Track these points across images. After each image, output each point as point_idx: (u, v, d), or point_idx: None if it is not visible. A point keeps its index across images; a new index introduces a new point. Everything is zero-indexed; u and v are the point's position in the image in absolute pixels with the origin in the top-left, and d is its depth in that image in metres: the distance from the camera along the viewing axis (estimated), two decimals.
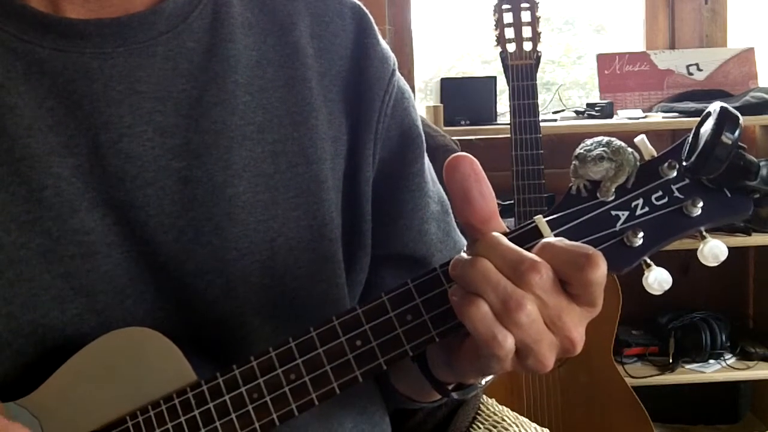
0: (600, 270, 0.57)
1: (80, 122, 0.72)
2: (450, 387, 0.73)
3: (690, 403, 2.73)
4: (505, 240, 0.59)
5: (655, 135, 2.85)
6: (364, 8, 0.87)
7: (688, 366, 2.57)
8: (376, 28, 0.86)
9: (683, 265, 2.65)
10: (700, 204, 0.59)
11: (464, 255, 0.60)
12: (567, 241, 0.59)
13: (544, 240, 0.60)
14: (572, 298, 0.58)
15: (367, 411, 0.85)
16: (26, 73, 0.72)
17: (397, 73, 0.86)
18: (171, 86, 0.75)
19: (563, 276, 0.58)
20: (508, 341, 0.58)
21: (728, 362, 2.57)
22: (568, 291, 0.58)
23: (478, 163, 0.62)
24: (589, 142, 0.62)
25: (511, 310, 0.57)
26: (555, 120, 2.66)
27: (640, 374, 2.52)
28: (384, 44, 0.87)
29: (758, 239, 2.47)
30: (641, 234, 0.59)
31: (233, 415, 0.65)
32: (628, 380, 2.33)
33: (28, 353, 0.70)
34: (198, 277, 0.74)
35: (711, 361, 2.57)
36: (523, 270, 0.57)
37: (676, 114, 2.58)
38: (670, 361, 2.57)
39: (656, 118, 2.62)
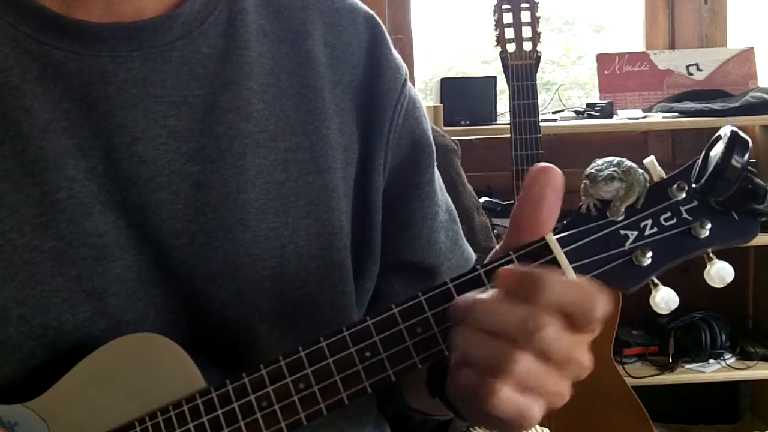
0: (605, 306, 0.57)
1: (95, 125, 0.72)
2: None
3: (690, 403, 2.73)
4: (499, 306, 0.58)
5: (655, 135, 2.86)
6: (377, 18, 0.87)
7: (688, 366, 2.58)
8: (388, 37, 0.87)
9: (683, 264, 2.65)
10: (708, 226, 0.59)
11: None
12: (567, 280, 0.58)
13: (546, 278, 0.58)
14: (576, 330, 0.58)
15: (364, 420, 0.86)
16: (42, 74, 0.72)
17: (409, 82, 0.87)
18: (186, 91, 0.75)
19: (568, 314, 0.57)
20: (536, 412, 0.59)
21: (728, 362, 2.58)
22: (570, 324, 0.57)
23: (563, 183, 0.63)
24: (599, 161, 0.62)
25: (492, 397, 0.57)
26: (555, 120, 2.66)
27: (640, 374, 2.52)
28: (396, 54, 0.87)
29: (758, 239, 2.42)
30: (650, 254, 0.60)
31: (242, 423, 0.65)
32: (628, 380, 2.34)
33: (38, 356, 0.70)
34: (208, 282, 0.74)
35: (711, 361, 2.57)
36: (530, 329, 0.56)
37: (676, 114, 2.58)
38: (670, 361, 2.57)
39: (656, 118, 2.62)
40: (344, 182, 0.81)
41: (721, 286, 0.59)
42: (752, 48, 2.78)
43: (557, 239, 0.62)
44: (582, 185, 0.62)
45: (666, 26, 2.90)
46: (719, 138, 0.58)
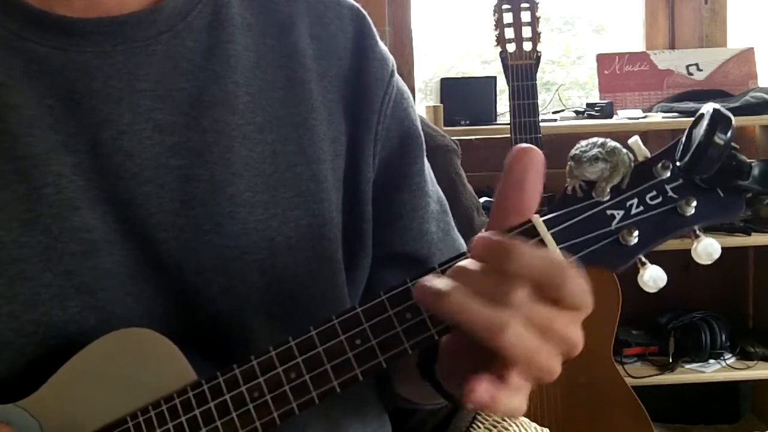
0: (577, 282, 0.56)
1: (80, 120, 0.72)
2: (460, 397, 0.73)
3: (690, 403, 2.73)
4: (478, 265, 0.58)
5: (654, 135, 2.86)
6: (363, 10, 0.87)
7: (688, 366, 2.57)
8: (375, 29, 0.87)
9: (683, 264, 2.65)
10: (694, 203, 0.59)
11: (426, 280, 0.59)
12: (537, 252, 0.58)
13: (516, 247, 0.57)
14: (557, 304, 0.57)
15: (363, 410, 0.86)
16: (26, 71, 0.73)
17: (396, 74, 0.87)
18: (171, 85, 0.75)
19: (542, 288, 0.56)
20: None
21: (728, 362, 2.58)
22: (551, 298, 0.57)
23: (544, 163, 0.62)
24: (584, 143, 0.62)
25: (496, 335, 0.55)
26: (555, 120, 2.67)
27: (640, 374, 2.52)
28: (383, 46, 0.87)
29: (758, 239, 2.48)
30: (636, 233, 0.60)
31: (234, 414, 0.65)
32: (628, 380, 2.33)
33: (29, 352, 0.70)
34: (198, 275, 0.74)
35: (711, 361, 2.57)
36: (503, 291, 0.56)
37: (676, 114, 2.58)
38: (670, 361, 2.57)
39: (656, 118, 2.62)
40: (333, 173, 0.81)
41: (709, 262, 0.59)
42: (752, 48, 2.78)
43: (543, 221, 0.62)
44: (567, 166, 0.62)
45: (666, 26, 2.90)
46: (702, 116, 0.58)
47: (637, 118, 2.60)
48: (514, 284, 0.56)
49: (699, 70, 2.78)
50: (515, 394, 0.58)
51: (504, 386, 0.57)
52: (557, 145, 2.42)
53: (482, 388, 0.56)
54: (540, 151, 0.62)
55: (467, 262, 0.59)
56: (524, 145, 0.62)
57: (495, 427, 1.13)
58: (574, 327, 0.59)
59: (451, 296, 0.57)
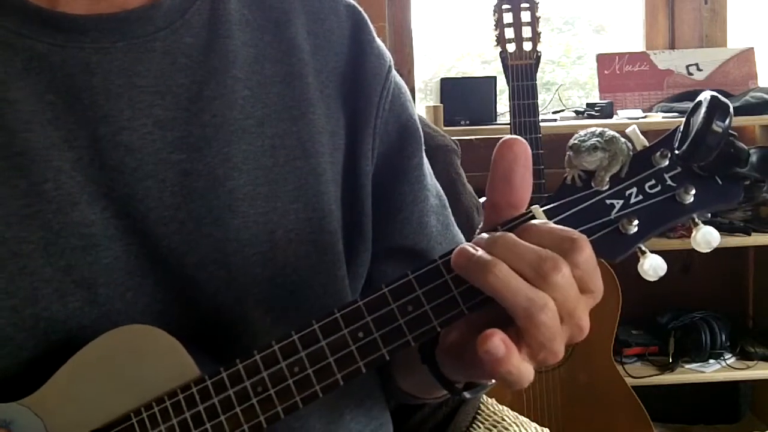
0: (584, 253, 0.57)
1: (80, 116, 0.73)
2: (459, 386, 0.73)
3: (690, 403, 2.73)
4: (521, 241, 0.59)
5: (654, 135, 2.83)
6: (359, 6, 0.88)
7: (688, 366, 2.57)
8: (371, 25, 0.88)
9: (684, 264, 2.65)
10: (693, 191, 0.59)
11: (469, 247, 0.59)
12: (551, 225, 0.59)
13: (528, 223, 0.59)
14: (583, 290, 0.58)
15: (366, 404, 0.86)
16: (25, 68, 0.73)
17: (393, 69, 0.88)
18: (170, 80, 0.76)
19: (585, 273, 0.58)
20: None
21: (728, 362, 2.57)
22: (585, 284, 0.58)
23: (530, 153, 0.63)
24: (582, 132, 0.62)
25: (534, 315, 0.56)
26: (555, 120, 2.66)
27: (640, 374, 2.52)
28: (379, 41, 0.88)
29: (758, 239, 2.47)
30: (636, 222, 0.60)
31: (238, 409, 0.65)
32: (628, 380, 2.33)
33: (29, 347, 0.70)
34: (199, 269, 0.74)
35: (711, 361, 2.56)
36: (546, 270, 0.57)
37: (676, 114, 2.58)
38: (670, 361, 2.56)
39: (656, 118, 2.62)
40: (332, 167, 0.82)
41: (708, 250, 0.59)
42: (752, 48, 2.77)
43: (543, 211, 0.62)
44: (566, 156, 0.62)
45: (666, 26, 2.90)
46: (700, 103, 0.58)
47: (637, 118, 2.59)
48: (561, 265, 0.57)
49: (699, 70, 2.78)
50: (523, 362, 0.59)
51: (514, 352, 0.57)
52: (557, 145, 2.43)
53: (498, 338, 0.57)
54: (525, 142, 0.63)
55: (512, 237, 0.59)
56: (508, 137, 0.63)
57: (495, 427, 1.13)
58: (587, 312, 0.60)
59: (498, 270, 0.57)
